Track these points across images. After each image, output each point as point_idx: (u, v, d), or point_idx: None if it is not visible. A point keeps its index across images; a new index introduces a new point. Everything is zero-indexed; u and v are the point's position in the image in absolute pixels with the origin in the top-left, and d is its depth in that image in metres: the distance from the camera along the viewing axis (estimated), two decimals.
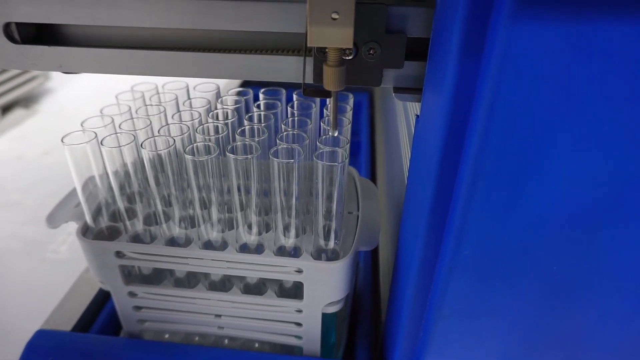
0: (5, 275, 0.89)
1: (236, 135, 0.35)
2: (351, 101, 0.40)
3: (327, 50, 0.27)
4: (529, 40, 0.19)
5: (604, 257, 0.25)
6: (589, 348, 0.30)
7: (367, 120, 0.91)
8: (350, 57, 0.29)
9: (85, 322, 0.47)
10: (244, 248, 0.37)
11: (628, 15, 0.19)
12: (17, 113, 1.56)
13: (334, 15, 0.25)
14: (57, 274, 0.88)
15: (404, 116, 0.53)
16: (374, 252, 0.57)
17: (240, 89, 0.43)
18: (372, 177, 0.75)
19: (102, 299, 0.50)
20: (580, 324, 0.29)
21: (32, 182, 1.20)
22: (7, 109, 1.56)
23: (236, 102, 0.41)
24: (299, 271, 0.36)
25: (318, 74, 0.30)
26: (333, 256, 0.37)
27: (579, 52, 0.20)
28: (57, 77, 1.78)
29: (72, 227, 0.39)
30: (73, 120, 0.35)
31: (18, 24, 0.32)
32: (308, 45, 0.26)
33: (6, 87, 1.51)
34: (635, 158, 0.22)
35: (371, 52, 0.29)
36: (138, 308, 0.41)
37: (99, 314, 0.49)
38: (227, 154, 0.33)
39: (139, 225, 0.38)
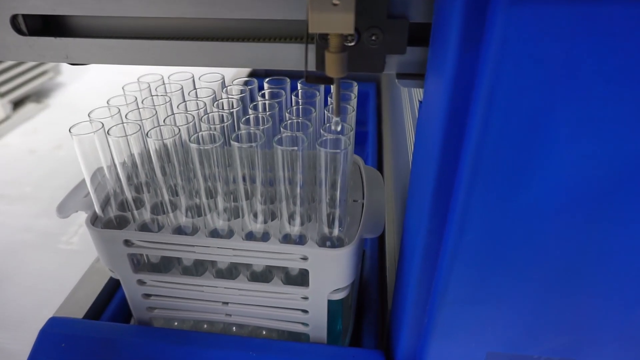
0: (21, 266, 0.91)
1: (240, 124, 0.36)
2: (355, 89, 0.40)
3: (328, 36, 0.27)
4: (528, 22, 0.19)
5: (607, 242, 0.25)
6: (593, 334, 0.30)
7: (374, 110, 0.91)
8: (352, 44, 0.29)
9: (97, 310, 0.48)
10: (250, 236, 0.38)
11: None
12: (29, 107, 1.58)
13: (335, 1, 0.25)
14: (69, 264, 0.89)
15: (409, 104, 0.53)
16: (381, 240, 0.58)
17: (246, 78, 0.43)
18: (380, 166, 0.75)
19: (113, 287, 0.51)
20: (584, 309, 0.29)
21: (45, 175, 1.22)
22: (18, 103, 1.58)
23: (241, 91, 0.41)
24: (304, 258, 0.36)
25: (320, 60, 0.30)
26: (338, 243, 0.37)
27: (580, 34, 0.19)
28: (67, 71, 1.80)
29: (84, 218, 0.40)
30: (84, 113, 0.36)
31: (25, 16, 0.33)
32: (309, 31, 0.26)
33: (17, 82, 1.53)
34: (638, 141, 0.22)
35: (373, 37, 0.29)
36: (147, 296, 0.42)
37: (110, 301, 0.50)
38: (232, 142, 0.33)
39: (147, 215, 0.39)
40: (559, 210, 0.25)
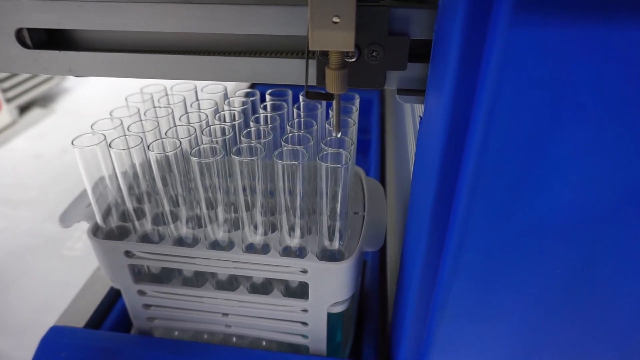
0: (25, 271, 0.91)
1: (242, 137, 0.36)
2: (357, 102, 0.40)
3: (329, 53, 0.27)
4: (528, 44, 0.19)
5: (607, 260, 0.25)
6: (592, 352, 0.30)
7: (377, 118, 0.91)
8: (352, 60, 0.29)
9: (98, 319, 0.49)
10: (250, 248, 0.38)
11: (629, 17, 0.18)
12: (35, 112, 1.60)
13: (335, 19, 0.25)
14: (72, 270, 0.90)
15: (411, 116, 0.53)
16: (382, 251, 0.57)
17: (248, 90, 0.43)
18: (382, 176, 0.75)
19: (114, 296, 0.51)
20: (583, 327, 0.28)
21: (50, 180, 1.22)
22: (25, 108, 1.60)
23: (243, 103, 0.41)
24: (304, 271, 0.36)
25: (321, 76, 0.30)
26: (338, 257, 0.37)
27: (579, 56, 0.19)
28: (73, 77, 1.82)
29: (87, 225, 0.40)
30: (90, 118, 0.36)
31: (30, 30, 0.33)
32: (310, 48, 0.26)
33: (24, 87, 1.55)
34: (638, 162, 0.22)
35: (374, 54, 0.29)
36: (147, 306, 0.42)
37: (111, 311, 0.50)
38: (232, 156, 0.33)
39: (148, 225, 0.39)
40: (558, 230, 0.24)
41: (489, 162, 0.23)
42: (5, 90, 1.48)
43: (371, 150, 0.81)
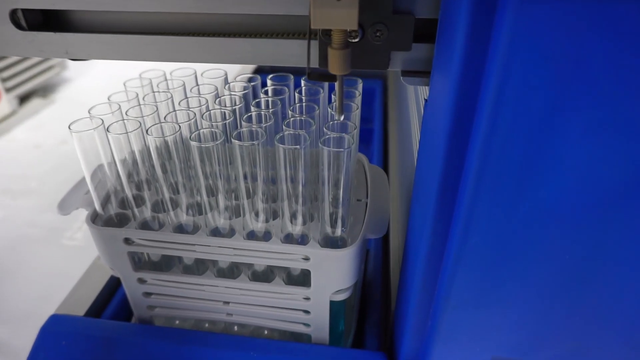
0: (25, 261, 0.91)
1: (242, 122, 0.35)
2: (360, 86, 0.39)
3: (331, 32, 0.27)
4: (538, 19, 0.18)
5: (616, 247, 0.24)
6: (598, 340, 0.29)
7: (380, 108, 0.90)
8: (356, 40, 0.28)
9: (98, 308, 0.48)
10: (252, 235, 0.37)
11: None
12: (35, 102, 1.59)
13: None
14: (72, 260, 0.89)
15: (414, 102, 0.52)
16: (385, 240, 0.57)
17: (251, 75, 0.42)
18: (385, 165, 0.74)
19: (114, 285, 0.51)
20: (589, 315, 0.28)
21: (50, 170, 1.22)
22: (24, 98, 1.59)
23: (244, 88, 0.40)
24: (306, 259, 0.36)
25: (323, 57, 0.29)
26: (341, 244, 0.36)
27: (592, 32, 0.18)
28: (73, 66, 1.80)
29: (86, 214, 0.39)
30: (89, 108, 0.36)
31: (25, 11, 0.32)
32: (312, 27, 0.25)
33: (24, 77, 1.53)
34: None
35: (378, 34, 0.28)
36: (148, 294, 0.42)
37: (111, 299, 0.50)
38: (233, 140, 0.32)
39: (147, 213, 0.38)
40: (567, 215, 0.24)
41: (497, 144, 0.22)
42: (4, 80, 1.46)
43: (374, 140, 0.80)
